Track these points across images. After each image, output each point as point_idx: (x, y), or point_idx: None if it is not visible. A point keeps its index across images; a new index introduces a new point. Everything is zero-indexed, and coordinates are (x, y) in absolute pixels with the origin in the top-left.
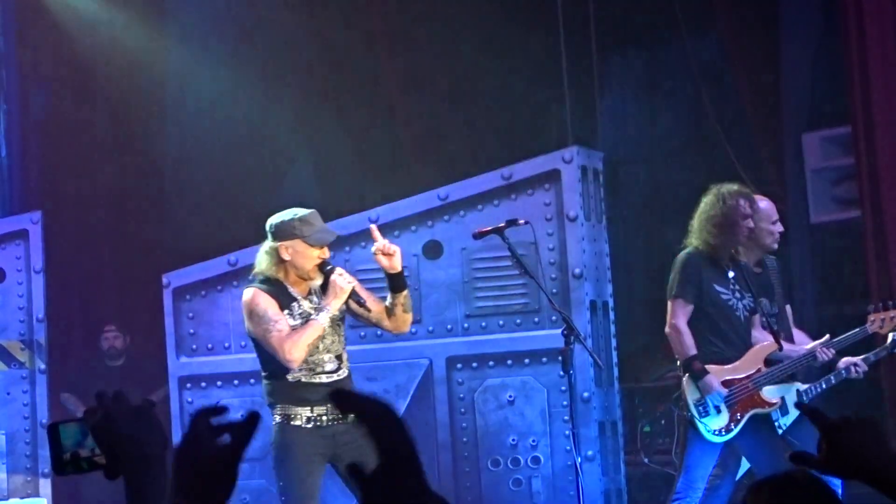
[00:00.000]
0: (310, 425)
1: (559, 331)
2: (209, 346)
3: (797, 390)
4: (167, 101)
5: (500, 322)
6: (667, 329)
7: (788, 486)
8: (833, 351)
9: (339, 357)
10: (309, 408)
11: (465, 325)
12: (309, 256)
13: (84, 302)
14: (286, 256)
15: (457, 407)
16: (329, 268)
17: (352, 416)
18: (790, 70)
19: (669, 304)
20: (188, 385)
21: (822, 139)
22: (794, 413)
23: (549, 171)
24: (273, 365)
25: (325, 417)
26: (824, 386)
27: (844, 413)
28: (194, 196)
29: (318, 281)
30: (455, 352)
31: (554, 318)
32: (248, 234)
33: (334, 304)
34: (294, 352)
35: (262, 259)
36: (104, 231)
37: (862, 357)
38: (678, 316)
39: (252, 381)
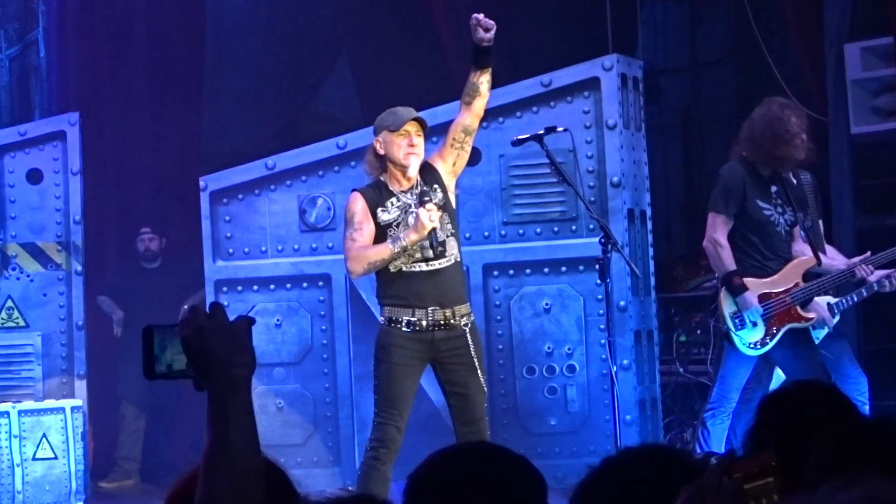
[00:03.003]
0: (409, 330)
1: (596, 239)
2: (246, 249)
3: (828, 304)
4: (206, 1)
5: (538, 230)
6: (705, 243)
7: (811, 395)
8: (872, 268)
9: (442, 244)
10: (410, 311)
11: (503, 232)
12: (396, 143)
13: (120, 204)
14: (381, 151)
15: (493, 314)
16: (426, 199)
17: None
18: None
19: (710, 217)
20: (224, 289)
21: (864, 49)
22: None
23: (588, 78)
24: None
25: (424, 322)
26: (856, 299)
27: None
28: (233, 99)
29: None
30: (492, 259)
31: (591, 226)
32: (285, 138)
33: (411, 238)
34: (352, 264)
35: (365, 159)
36: (141, 133)
37: (895, 269)
38: (718, 230)
39: (288, 285)
